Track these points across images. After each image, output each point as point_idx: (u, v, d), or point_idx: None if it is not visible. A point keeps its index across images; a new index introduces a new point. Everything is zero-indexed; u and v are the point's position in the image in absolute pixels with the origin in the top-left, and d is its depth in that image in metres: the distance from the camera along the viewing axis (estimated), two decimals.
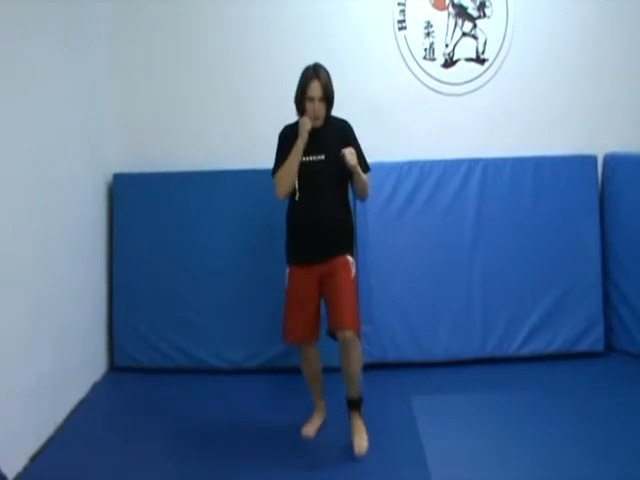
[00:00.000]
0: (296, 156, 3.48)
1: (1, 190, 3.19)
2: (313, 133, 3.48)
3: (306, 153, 3.49)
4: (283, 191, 3.53)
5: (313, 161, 3.50)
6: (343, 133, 3.55)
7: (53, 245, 3.79)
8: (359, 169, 3.47)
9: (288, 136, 3.54)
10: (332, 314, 3.52)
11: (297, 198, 3.52)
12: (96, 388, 4.34)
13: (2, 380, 3.17)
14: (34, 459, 3.43)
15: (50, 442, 3.61)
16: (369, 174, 3.62)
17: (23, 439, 3.38)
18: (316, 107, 3.44)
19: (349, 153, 3.41)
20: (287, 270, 3.67)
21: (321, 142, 3.49)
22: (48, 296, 3.71)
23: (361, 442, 3.48)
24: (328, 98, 3.46)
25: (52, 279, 3.77)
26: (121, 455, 3.53)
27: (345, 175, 3.52)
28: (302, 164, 3.49)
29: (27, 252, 3.47)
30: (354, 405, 3.57)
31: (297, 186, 3.50)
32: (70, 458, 3.48)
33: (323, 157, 3.49)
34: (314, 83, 3.42)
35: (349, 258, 3.55)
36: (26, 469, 3.33)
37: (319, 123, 3.50)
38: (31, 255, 3.51)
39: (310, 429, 3.71)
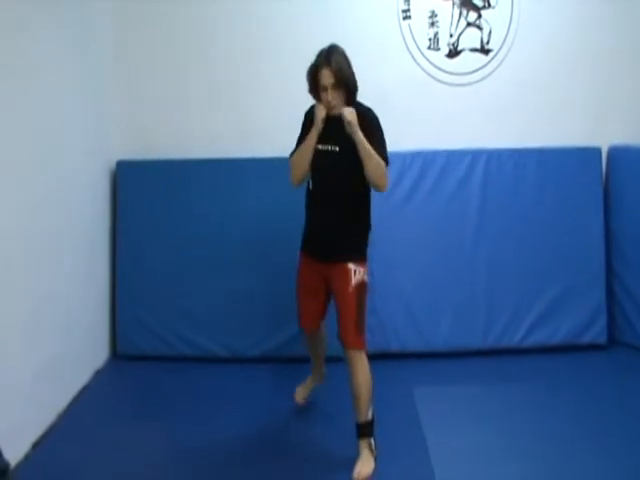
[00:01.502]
0: (309, 146, 3.27)
1: (4, 178, 3.18)
2: (332, 121, 3.21)
3: (322, 141, 3.26)
4: (295, 178, 3.36)
5: (328, 151, 3.26)
6: (363, 122, 3.16)
7: (56, 233, 3.79)
8: (359, 133, 3.12)
9: (309, 119, 3.31)
10: (338, 324, 3.34)
11: (310, 187, 3.36)
12: (98, 376, 4.34)
13: (5, 367, 3.17)
14: (36, 446, 3.44)
15: (52, 429, 3.62)
16: (387, 165, 3.23)
17: (25, 426, 3.38)
18: (329, 96, 3.16)
19: (348, 113, 3.12)
20: (299, 253, 3.51)
21: (338, 132, 3.18)
22: (51, 284, 3.71)
23: (361, 467, 3.22)
24: (343, 84, 3.16)
25: (55, 267, 3.77)
26: (122, 443, 3.53)
27: (362, 169, 3.20)
28: (317, 152, 3.28)
29: (30, 240, 3.47)
30: (360, 431, 3.28)
31: (310, 174, 3.33)
32: (72, 445, 3.48)
33: (338, 149, 3.25)
34: (324, 71, 3.15)
35: (350, 266, 3.27)
36: (28, 456, 3.34)
37: (338, 111, 3.19)
38: (34, 243, 3.51)
39: (299, 395, 3.80)
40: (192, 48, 4.76)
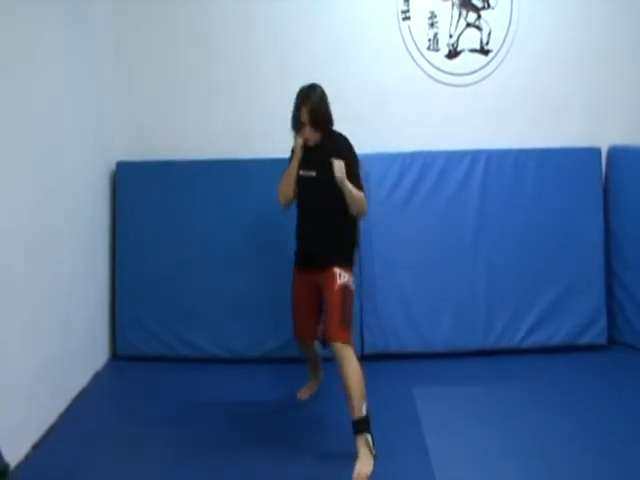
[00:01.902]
0: (291, 173, 3.68)
1: (4, 179, 3.18)
2: (310, 149, 3.63)
3: (303, 167, 3.65)
4: (283, 200, 3.75)
5: (307, 176, 3.64)
6: (338, 150, 3.55)
7: (56, 234, 3.79)
8: (347, 183, 3.47)
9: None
10: (324, 324, 3.63)
11: (298, 208, 3.74)
12: (98, 377, 4.34)
13: (5, 368, 3.17)
14: (36, 447, 3.43)
15: (52, 430, 3.61)
16: (364, 194, 3.57)
17: (25, 427, 3.38)
18: (307, 131, 3.58)
19: (338, 166, 3.48)
20: (293, 269, 3.82)
21: (314, 159, 3.60)
22: (51, 285, 3.71)
23: (360, 467, 3.21)
24: (318, 122, 3.56)
25: (55, 268, 3.76)
26: (122, 444, 3.53)
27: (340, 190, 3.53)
28: (300, 177, 3.66)
29: (30, 241, 3.46)
30: (356, 427, 3.30)
31: (297, 197, 3.70)
32: (72, 446, 3.48)
33: (314, 174, 3.61)
34: (302, 109, 3.54)
35: (335, 270, 3.53)
36: (28, 457, 3.33)
37: (314, 142, 3.61)
38: (34, 244, 3.51)
39: (303, 394, 4.02)
40: (192, 48, 4.77)
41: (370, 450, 3.26)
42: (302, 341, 3.89)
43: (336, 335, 3.41)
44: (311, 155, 3.63)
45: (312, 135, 3.59)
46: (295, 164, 3.66)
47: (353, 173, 3.55)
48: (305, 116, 3.54)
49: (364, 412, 3.29)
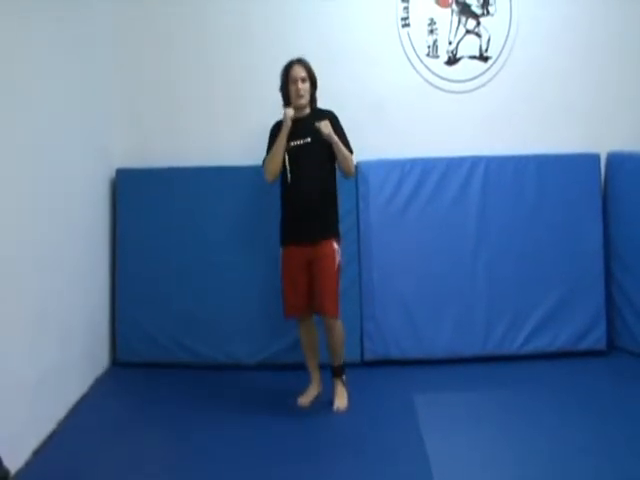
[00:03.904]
0: (281, 142, 3.81)
1: (5, 186, 3.19)
2: (299, 120, 3.83)
3: (293, 138, 3.82)
4: (269, 174, 3.89)
5: (300, 145, 3.82)
6: (326, 118, 3.84)
7: (56, 240, 3.79)
8: (335, 138, 3.78)
9: (277, 130, 3.88)
10: (317, 299, 3.90)
11: (289, 181, 3.83)
12: (98, 383, 4.34)
13: (5, 375, 3.17)
14: (36, 454, 3.43)
15: (52, 437, 3.61)
16: (353, 157, 3.91)
17: (26, 434, 3.38)
18: (299, 86, 3.80)
19: (324, 125, 3.77)
20: (281, 250, 3.97)
21: (307, 127, 3.80)
22: (51, 291, 3.71)
23: (340, 401, 3.92)
24: (312, 78, 3.83)
25: (55, 274, 3.77)
26: (123, 450, 3.53)
27: (331, 156, 3.86)
28: (290, 149, 3.82)
29: (30, 247, 3.47)
30: (336, 372, 3.98)
31: (288, 169, 3.81)
32: (72, 453, 3.48)
33: (309, 140, 3.82)
34: (296, 66, 3.82)
35: (335, 245, 3.87)
36: (28, 463, 3.33)
37: (304, 109, 3.86)
38: (34, 250, 3.51)
39: (305, 399, 4.01)
40: (190, 56, 4.78)
41: (345, 387, 3.97)
42: (297, 315, 4.02)
43: (333, 312, 3.89)
44: (301, 125, 3.81)
45: (305, 91, 3.82)
46: (285, 134, 3.80)
47: (343, 138, 3.85)
48: (300, 72, 3.80)
49: (342, 361, 3.99)
